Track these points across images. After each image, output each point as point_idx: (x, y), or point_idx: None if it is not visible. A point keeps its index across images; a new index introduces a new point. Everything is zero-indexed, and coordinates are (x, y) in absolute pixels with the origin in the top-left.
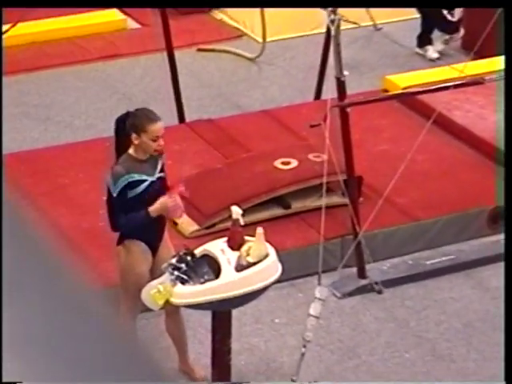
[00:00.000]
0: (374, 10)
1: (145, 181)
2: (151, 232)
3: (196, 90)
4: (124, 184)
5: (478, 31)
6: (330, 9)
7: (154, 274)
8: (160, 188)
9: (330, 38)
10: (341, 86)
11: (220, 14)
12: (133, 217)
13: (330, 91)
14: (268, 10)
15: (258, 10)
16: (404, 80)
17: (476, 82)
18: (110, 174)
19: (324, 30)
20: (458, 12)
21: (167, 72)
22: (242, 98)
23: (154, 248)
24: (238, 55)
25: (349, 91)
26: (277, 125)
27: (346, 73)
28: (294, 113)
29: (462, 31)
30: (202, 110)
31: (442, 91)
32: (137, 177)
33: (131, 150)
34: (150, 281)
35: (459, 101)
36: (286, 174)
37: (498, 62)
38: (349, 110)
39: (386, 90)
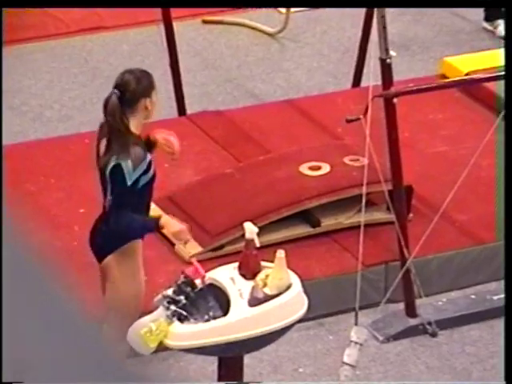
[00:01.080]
0: None
1: (151, 163)
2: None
3: (200, 74)
4: (143, 169)
5: None
6: None
7: None
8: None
9: (372, 9)
10: (386, 69)
11: None
12: (139, 219)
13: (372, 76)
14: None
15: None
16: (467, 63)
17: None
18: (122, 159)
19: None
20: None
21: (164, 50)
22: (259, 84)
23: None
24: (254, 29)
25: (396, 77)
26: (304, 119)
27: (392, 53)
28: (325, 104)
29: None
30: (207, 100)
31: None
32: (149, 158)
33: (133, 127)
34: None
35: None
36: (315, 181)
37: None
38: (396, 100)
39: (445, 76)
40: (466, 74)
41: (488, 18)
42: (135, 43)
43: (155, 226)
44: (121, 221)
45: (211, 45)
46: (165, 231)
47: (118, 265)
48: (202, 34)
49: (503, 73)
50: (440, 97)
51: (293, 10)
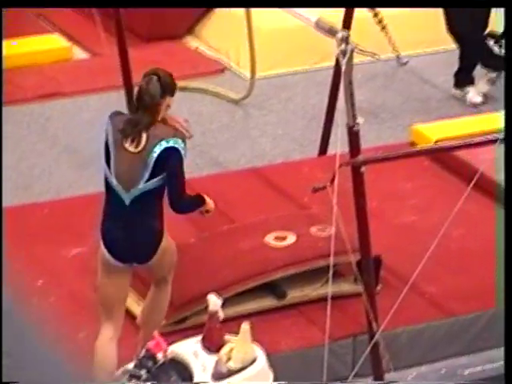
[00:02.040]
0: (398, 39)
1: None
2: None
3: None
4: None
5: None
6: (339, 36)
7: None
8: None
9: (339, 75)
10: (354, 137)
11: (195, 42)
12: (193, 198)
13: (339, 144)
14: (258, 38)
15: (245, 36)
16: (437, 131)
17: None
18: (172, 139)
19: (332, 63)
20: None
21: None
22: (224, 152)
23: None
24: (219, 95)
25: (364, 145)
26: (269, 188)
27: (360, 120)
28: (291, 172)
29: None
30: None
31: (487, 146)
32: None
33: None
34: None
35: None
36: (281, 252)
37: None
38: (364, 169)
39: (414, 144)
40: (436, 142)
41: (457, 85)
42: (95, 110)
43: (203, 201)
44: (188, 205)
45: (174, 111)
46: None
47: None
48: None
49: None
50: (409, 165)
51: (258, 76)
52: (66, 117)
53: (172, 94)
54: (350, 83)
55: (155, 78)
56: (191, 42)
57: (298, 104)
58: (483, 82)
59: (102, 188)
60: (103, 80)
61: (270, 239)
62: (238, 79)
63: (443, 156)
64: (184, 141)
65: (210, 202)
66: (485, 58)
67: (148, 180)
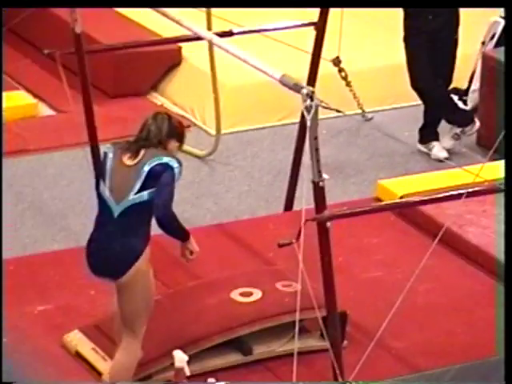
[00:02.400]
0: (363, 95)
1: None
2: None
3: None
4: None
5: (499, 123)
6: (304, 92)
7: None
8: None
9: (304, 131)
10: (319, 192)
11: (160, 98)
12: (179, 222)
13: (304, 200)
14: (223, 94)
15: (210, 93)
16: (402, 186)
17: (496, 188)
18: (171, 161)
19: (297, 119)
20: (473, 99)
21: (90, 173)
22: (189, 208)
23: None
24: (184, 152)
25: (330, 200)
26: (234, 244)
27: (325, 176)
28: (257, 228)
29: (477, 123)
30: None
31: (452, 201)
32: None
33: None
34: None
35: (474, 214)
36: (247, 308)
37: None
38: (329, 224)
39: (379, 199)
40: (401, 197)
41: (422, 141)
42: (61, 166)
43: (188, 234)
44: (172, 218)
45: None
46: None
47: (144, 263)
48: None
49: (468, 190)
50: (375, 220)
51: (223, 132)
52: (32, 173)
53: (178, 140)
54: (315, 139)
55: (166, 116)
56: (156, 98)
57: (264, 160)
58: (448, 137)
59: (67, 245)
60: (69, 137)
61: (235, 295)
62: (204, 135)
63: (409, 211)
64: (180, 164)
65: (194, 244)
66: (449, 114)
67: (138, 192)
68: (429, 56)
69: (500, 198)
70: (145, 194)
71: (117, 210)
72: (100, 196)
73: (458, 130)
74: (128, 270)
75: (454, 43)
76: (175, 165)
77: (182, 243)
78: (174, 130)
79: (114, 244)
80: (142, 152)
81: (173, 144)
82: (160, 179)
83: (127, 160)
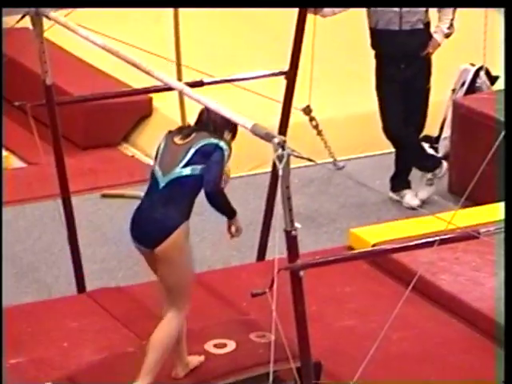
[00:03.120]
0: (334, 143)
1: None
2: None
3: (100, 249)
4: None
5: (470, 170)
6: (276, 141)
7: None
8: None
9: (276, 180)
10: (292, 242)
11: (132, 149)
12: (228, 200)
13: (277, 249)
14: None
15: None
16: (374, 234)
17: (468, 236)
18: (223, 144)
19: (269, 169)
20: (444, 146)
21: (62, 225)
22: None
23: None
24: None
25: (302, 249)
26: (207, 294)
27: (298, 225)
28: (229, 278)
29: (445, 165)
30: (107, 276)
31: (425, 248)
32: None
33: None
34: None
35: (447, 261)
36: (221, 360)
37: (497, 210)
38: (302, 273)
39: (352, 248)
40: (374, 245)
41: (394, 189)
42: (32, 218)
43: (234, 213)
44: (221, 194)
45: (111, 219)
46: None
47: (182, 237)
48: (101, 209)
49: (441, 237)
50: (347, 269)
51: None
52: (3, 225)
53: (231, 131)
54: (287, 188)
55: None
56: (127, 149)
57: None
58: (422, 187)
59: (39, 297)
60: (40, 189)
61: (210, 347)
62: None
63: (381, 259)
64: (229, 147)
65: (240, 222)
66: (420, 162)
67: (185, 166)
68: (401, 104)
69: (472, 245)
70: (190, 169)
71: (163, 181)
72: (152, 173)
73: (429, 175)
74: (164, 240)
75: (427, 92)
76: (225, 146)
77: (228, 220)
78: (229, 121)
79: (154, 213)
80: (194, 134)
81: (226, 134)
82: (211, 157)
83: (178, 140)
